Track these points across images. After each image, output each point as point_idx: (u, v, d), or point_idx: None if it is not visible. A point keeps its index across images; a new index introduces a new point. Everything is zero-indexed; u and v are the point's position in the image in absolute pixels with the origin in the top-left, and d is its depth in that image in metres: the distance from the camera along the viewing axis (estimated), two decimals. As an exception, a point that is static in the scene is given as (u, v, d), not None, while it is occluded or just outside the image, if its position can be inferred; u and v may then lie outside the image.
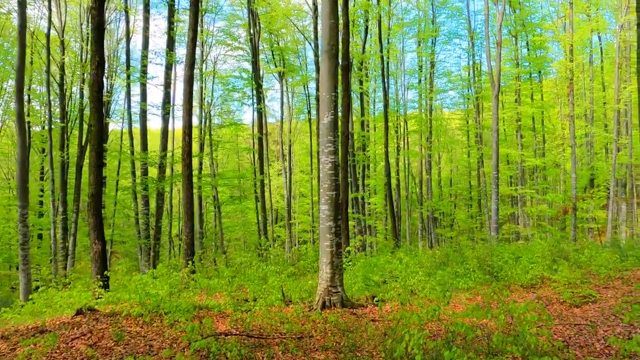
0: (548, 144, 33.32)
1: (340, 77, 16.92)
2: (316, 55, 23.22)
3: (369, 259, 10.79)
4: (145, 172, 17.56)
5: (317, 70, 22.15)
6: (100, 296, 8.33)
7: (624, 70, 27.11)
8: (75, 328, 6.37)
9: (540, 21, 28.51)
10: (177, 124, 25.26)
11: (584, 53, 30.05)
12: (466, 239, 33.35)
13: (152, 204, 20.43)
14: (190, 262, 10.04)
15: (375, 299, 8.63)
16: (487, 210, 28.23)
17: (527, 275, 10.22)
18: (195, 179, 19.98)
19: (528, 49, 28.86)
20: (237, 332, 6.30)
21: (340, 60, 16.62)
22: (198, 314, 7.13)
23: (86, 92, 27.87)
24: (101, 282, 8.90)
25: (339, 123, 16.59)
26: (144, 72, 17.09)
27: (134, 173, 19.69)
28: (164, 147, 16.59)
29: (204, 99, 27.12)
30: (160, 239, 17.08)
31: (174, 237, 31.80)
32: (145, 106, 17.08)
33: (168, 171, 20.02)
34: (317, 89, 22.00)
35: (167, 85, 16.80)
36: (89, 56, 21.96)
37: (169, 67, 16.72)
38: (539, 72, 29.76)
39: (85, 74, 26.37)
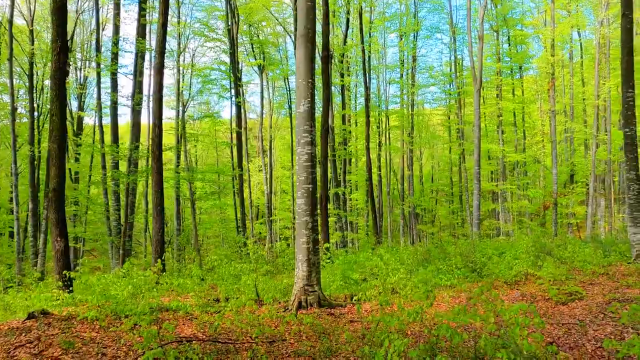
0: (528, 140, 33.42)
1: (320, 69, 16.45)
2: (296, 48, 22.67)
3: (348, 256, 10.35)
4: (116, 166, 16.77)
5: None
6: (59, 298, 7.70)
7: (603, 67, 27.20)
8: (23, 334, 5.76)
9: (521, 17, 28.48)
10: (152, 118, 24.34)
11: (563, 49, 30.11)
12: (447, 235, 33.31)
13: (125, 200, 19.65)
14: (159, 260, 9.44)
15: (354, 298, 8.19)
16: (468, 206, 28.12)
17: (511, 271, 9.92)
18: (170, 174, 19.29)
19: (509, 44, 28.80)
20: (203, 337, 5.78)
21: (320, 52, 16.15)
22: (162, 316, 6.58)
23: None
24: (60, 283, 8.26)
25: (320, 116, 16.11)
26: (114, 60, 16.26)
27: (104, 167, 18.86)
28: (135, 139, 15.85)
29: (182, 92, 26.37)
30: (131, 236, 16.34)
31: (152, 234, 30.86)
32: (115, 97, 16.26)
33: (142, 164, 19.25)
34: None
35: (139, 74, 16.00)
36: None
37: (140, 56, 15.94)
38: (520, 67, 29.75)
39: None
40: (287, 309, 7.51)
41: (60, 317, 6.59)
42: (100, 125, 19.61)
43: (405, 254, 10.64)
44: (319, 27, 14.94)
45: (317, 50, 15.00)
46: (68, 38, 24.32)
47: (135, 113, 15.99)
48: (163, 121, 12.64)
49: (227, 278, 9.76)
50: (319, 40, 15.10)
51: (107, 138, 21.45)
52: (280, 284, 8.65)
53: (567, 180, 29.70)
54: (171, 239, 27.39)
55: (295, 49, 21.45)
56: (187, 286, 8.50)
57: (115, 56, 16.28)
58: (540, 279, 9.45)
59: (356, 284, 8.98)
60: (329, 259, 11.54)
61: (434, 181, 39.56)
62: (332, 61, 20.27)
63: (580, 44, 31.35)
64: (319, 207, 12.04)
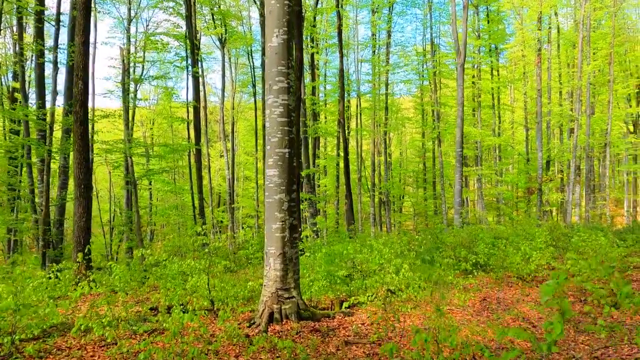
0: (503, 125, 32.28)
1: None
2: (262, 15, 20.19)
3: (332, 247, 8.29)
4: (42, 138, 13.85)
5: (263, 34, 19.10)
6: None
7: (585, 49, 26.07)
8: None
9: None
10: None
11: (540, 29, 28.86)
12: (420, 223, 31.92)
13: (71, 182, 16.72)
14: (80, 254, 7.04)
15: (345, 304, 6.10)
16: (443, 192, 26.56)
17: (529, 265, 8.10)
18: (114, 150, 16.62)
19: (488, 22, 27.31)
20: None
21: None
22: (57, 344, 4.26)
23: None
24: None
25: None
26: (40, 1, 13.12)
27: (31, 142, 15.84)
28: (67, 99, 12.85)
29: (133, 64, 23.57)
30: (63, 225, 13.55)
31: (105, 223, 27.91)
32: (40, 47, 13.13)
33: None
34: (262, 34, 18.41)
35: (71, 20, 12.92)
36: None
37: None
38: (496, 48, 28.39)
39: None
40: (254, 323, 5.32)
41: None
42: (23, 85, 16.32)
43: (398, 245, 8.66)
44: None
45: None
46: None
47: (66, 73, 13.01)
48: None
49: (174, 276, 7.45)
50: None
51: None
52: (243, 287, 6.43)
53: (544, 166, 28.68)
54: (123, 229, 24.58)
55: (260, 16, 18.73)
56: (119, 289, 6.15)
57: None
58: (567, 275, 7.65)
59: (344, 283, 6.91)
60: (301, 250, 9.42)
61: (404, 168, 38.04)
62: (304, 24, 17.96)
63: (558, 26, 30.30)
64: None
